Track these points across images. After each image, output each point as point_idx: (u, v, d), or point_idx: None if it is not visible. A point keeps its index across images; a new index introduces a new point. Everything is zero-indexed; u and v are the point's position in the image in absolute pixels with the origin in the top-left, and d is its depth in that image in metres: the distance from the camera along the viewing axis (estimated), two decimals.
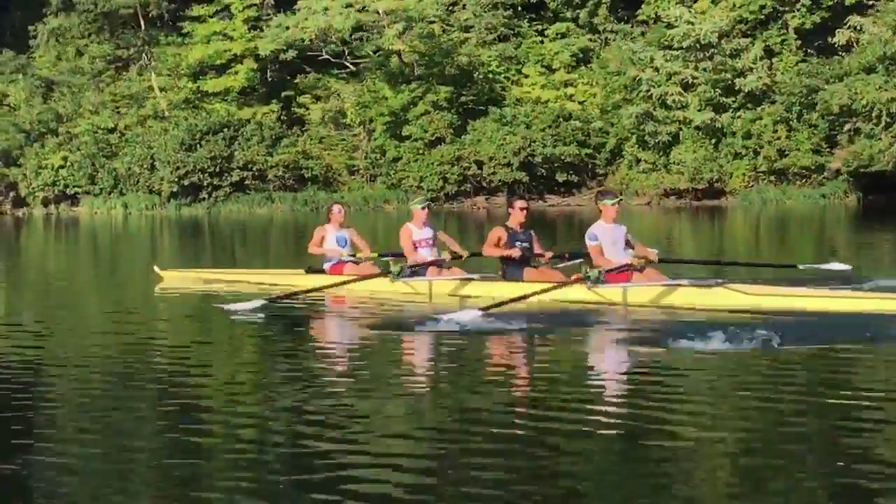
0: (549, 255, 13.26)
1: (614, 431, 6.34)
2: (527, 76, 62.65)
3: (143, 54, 70.46)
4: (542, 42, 63.30)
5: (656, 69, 54.93)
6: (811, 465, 5.60)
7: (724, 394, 7.45)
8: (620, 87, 57.70)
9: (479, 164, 57.25)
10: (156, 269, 16.41)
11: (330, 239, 14.63)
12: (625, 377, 8.30)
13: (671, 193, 55.21)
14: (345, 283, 13.62)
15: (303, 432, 6.41)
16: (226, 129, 60.96)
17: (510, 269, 12.88)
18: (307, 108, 65.61)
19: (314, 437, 6.26)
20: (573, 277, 12.27)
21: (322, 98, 64.38)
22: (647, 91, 54.88)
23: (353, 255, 14.54)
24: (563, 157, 55.96)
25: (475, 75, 60.82)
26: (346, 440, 6.21)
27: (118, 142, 66.72)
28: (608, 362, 9.07)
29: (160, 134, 63.20)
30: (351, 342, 10.56)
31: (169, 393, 7.73)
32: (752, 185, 53.77)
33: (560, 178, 56.78)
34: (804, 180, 53.02)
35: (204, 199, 60.53)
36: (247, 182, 60.39)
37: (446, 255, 13.68)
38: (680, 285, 11.74)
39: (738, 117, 53.96)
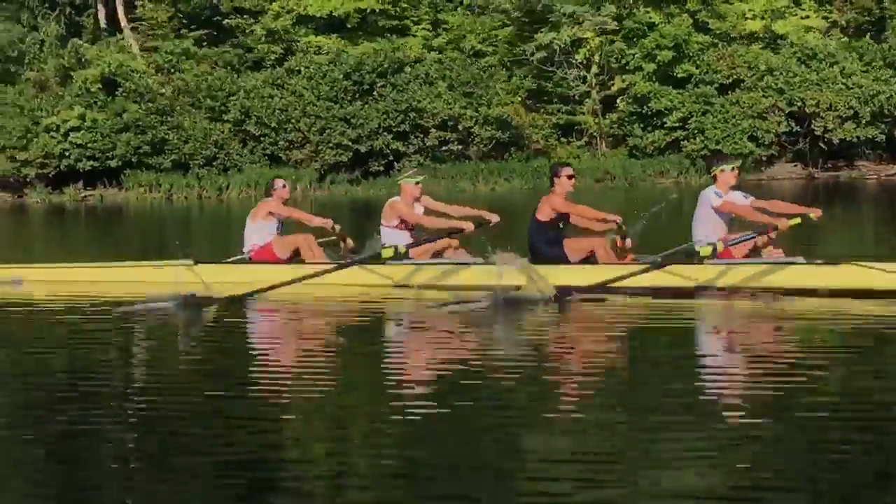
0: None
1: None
2: (731, 3, 46.26)
3: None
4: None
5: None
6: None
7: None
8: None
9: (799, 119, 40.78)
10: None
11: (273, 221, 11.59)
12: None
13: None
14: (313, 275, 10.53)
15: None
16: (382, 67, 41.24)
17: (548, 248, 10.43)
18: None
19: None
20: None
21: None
22: None
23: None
24: None
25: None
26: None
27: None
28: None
29: (286, 73, 42.51)
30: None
31: None
32: None
33: None
34: None
35: (379, 171, 40.49)
36: (447, 147, 40.86)
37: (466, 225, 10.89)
38: (794, 263, 9.78)
39: None
